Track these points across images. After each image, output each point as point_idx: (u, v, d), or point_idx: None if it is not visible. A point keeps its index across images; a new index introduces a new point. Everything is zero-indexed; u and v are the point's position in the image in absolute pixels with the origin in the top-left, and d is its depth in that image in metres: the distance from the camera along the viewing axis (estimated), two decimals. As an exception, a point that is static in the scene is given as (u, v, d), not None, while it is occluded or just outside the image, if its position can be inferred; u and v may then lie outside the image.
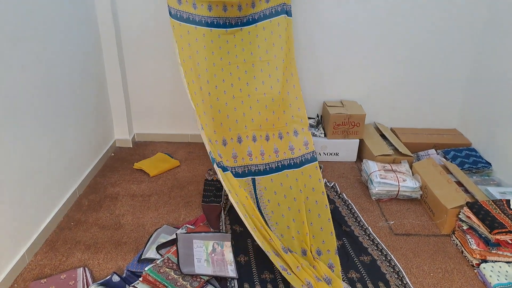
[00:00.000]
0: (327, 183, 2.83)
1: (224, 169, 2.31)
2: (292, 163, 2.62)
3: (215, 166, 2.25)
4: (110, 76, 3.04)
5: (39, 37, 2.12)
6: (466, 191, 2.50)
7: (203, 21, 2.61)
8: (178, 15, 2.50)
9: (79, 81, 2.61)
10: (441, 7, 2.96)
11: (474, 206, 2.22)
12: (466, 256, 2.18)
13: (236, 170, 2.52)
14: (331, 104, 3.19)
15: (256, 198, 2.41)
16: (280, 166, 2.62)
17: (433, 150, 3.11)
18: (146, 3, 2.89)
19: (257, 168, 2.60)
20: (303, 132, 2.71)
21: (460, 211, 2.30)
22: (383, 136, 3.21)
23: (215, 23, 2.64)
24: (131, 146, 3.29)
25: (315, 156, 2.63)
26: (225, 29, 2.67)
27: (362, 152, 3.17)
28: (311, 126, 3.17)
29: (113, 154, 3.16)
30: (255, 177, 2.55)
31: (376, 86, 3.26)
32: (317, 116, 3.32)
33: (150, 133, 3.39)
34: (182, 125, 3.30)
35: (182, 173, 2.91)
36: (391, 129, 3.38)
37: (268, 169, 2.61)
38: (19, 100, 1.96)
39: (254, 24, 2.72)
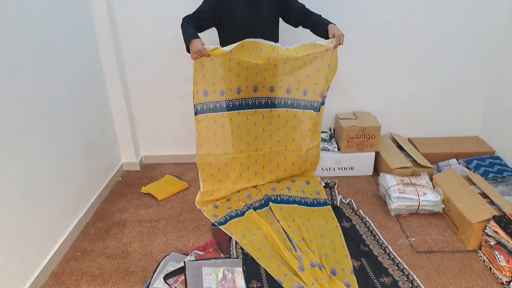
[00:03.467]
0: (343, 200, 2.70)
1: (232, 217, 2.47)
2: (303, 201, 2.65)
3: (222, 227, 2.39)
4: (113, 99, 3.00)
5: (35, 66, 2.08)
6: (492, 203, 2.34)
7: (231, 105, 2.48)
8: (205, 108, 2.43)
9: (80, 106, 2.57)
10: (459, 11, 2.83)
11: (502, 220, 2.08)
12: (494, 273, 2.04)
13: (254, 205, 2.58)
14: (344, 116, 3.08)
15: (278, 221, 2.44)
16: (291, 200, 2.66)
17: (454, 160, 2.95)
18: (147, 22, 2.85)
19: (269, 197, 2.63)
20: (314, 184, 2.81)
21: (486, 226, 2.15)
22: (400, 147, 3.07)
23: (243, 104, 2.50)
24: (139, 169, 3.24)
25: (328, 202, 2.65)
26: (254, 109, 2.54)
27: (378, 165, 3.03)
28: (323, 140, 3.06)
29: (120, 179, 3.11)
30: (269, 203, 2.59)
31: (391, 95, 3.13)
32: (330, 129, 3.21)
33: (158, 155, 3.33)
34: (190, 146, 3.22)
35: (191, 195, 2.83)
36: (409, 140, 3.24)
37: (279, 199, 2.64)
38: (16, 131, 1.92)
39: (286, 109, 2.60)
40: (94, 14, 2.72)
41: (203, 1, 2.31)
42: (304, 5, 2.43)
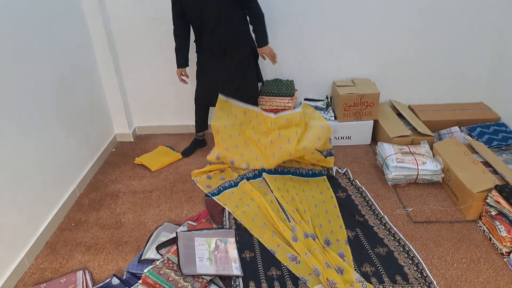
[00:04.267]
0: (339, 170, 2.65)
1: (225, 188, 2.46)
2: (298, 172, 2.61)
3: (214, 198, 2.38)
4: (103, 70, 2.91)
5: (15, 36, 2.00)
6: (495, 172, 2.26)
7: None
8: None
9: (68, 77, 2.50)
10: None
11: (504, 190, 2.02)
12: (494, 243, 1.99)
13: (248, 175, 2.57)
14: (341, 83, 2.96)
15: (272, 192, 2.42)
16: (285, 170, 2.62)
17: (456, 127, 2.85)
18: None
19: (263, 168, 2.60)
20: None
21: (488, 195, 2.09)
22: (400, 115, 2.98)
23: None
24: (132, 140, 3.20)
25: (323, 172, 2.61)
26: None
27: (377, 134, 2.94)
28: (320, 109, 2.97)
29: (114, 150, 3.07)
30: (263, 173, 2.56)
31: (391, 60, 2.99)
32: (326, 97, 3.11)
33: (151, 126, 3.28)
34: (183, 116, 3.17)
35: (185, 166, 2.80)
36: (409, 107, 3.13)
37: (273, 170, 2.60)
38: (1, 102, 1.87)
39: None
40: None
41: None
42: None
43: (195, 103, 2.83)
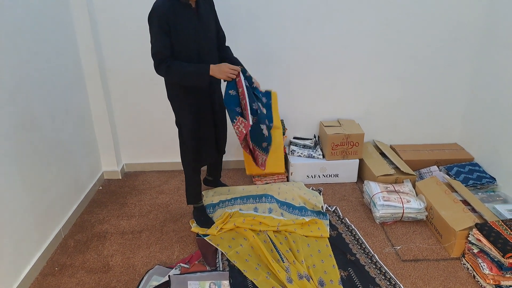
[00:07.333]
0: (329, 208, 2.70)
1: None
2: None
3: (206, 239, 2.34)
4: (94, 106, 2.89)
5: (14, 73, 1.99)
6: (474, 210, 2.39)
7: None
8: None
9: (60, 113, 2.46)
10: (438, 20, 2.89)
11: (484, 228, 2.11)
12: (478, 281, 2.07)
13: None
14: (328, 124, 3.08)
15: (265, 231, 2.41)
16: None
17: (435, 166, 3.00)
18: (129, 29, 2.77)
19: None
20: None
21: (469, 233, 2.18)
22: (383, 154, 3.10)
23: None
24: (120, 178, 3.14)
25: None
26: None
27: (362, 172, 3.04)
28: (308, 147, 3.06)
29: (101, 188, 2.99)
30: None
31: (374, 103, 3.16)
32: (314, 136, 3.20)
33: (140, 163, 3.24)
34: (173, 153, 3.14)
35: (175, 204, 2.76)
36: (391, 147, 3.28)
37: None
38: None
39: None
40: (74, 17, 2.62)
41: (152, 32, 2.04)
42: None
43: (191, 168, 2.40)
